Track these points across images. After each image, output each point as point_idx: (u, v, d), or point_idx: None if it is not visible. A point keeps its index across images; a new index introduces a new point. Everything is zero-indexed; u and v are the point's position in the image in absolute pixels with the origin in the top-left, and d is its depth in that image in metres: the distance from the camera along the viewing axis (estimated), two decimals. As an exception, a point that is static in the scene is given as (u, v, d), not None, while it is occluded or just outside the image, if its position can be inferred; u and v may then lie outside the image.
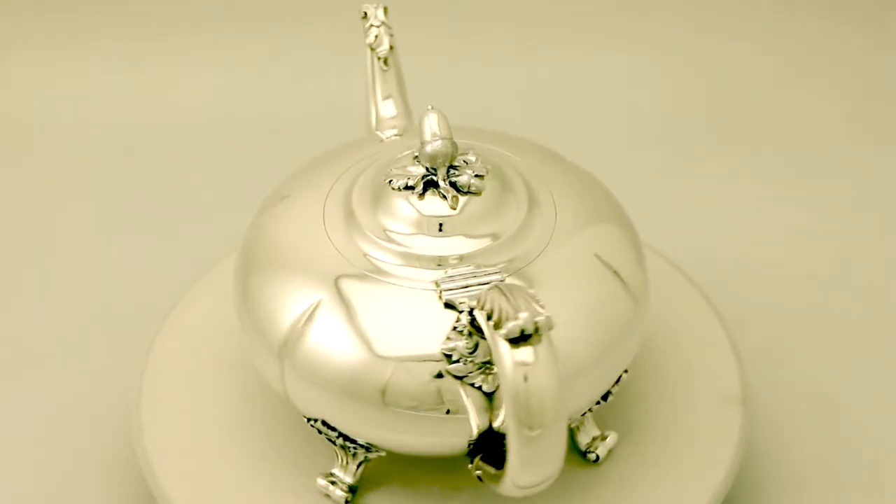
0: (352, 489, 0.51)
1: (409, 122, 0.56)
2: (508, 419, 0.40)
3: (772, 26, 0.88)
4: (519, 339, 0.39)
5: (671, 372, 0.57)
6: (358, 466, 0.51)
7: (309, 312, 0.47)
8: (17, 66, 0.85)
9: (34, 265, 0.72)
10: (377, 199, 0.48)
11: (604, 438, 0.53)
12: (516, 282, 0.46)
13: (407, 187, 0.48)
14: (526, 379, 0.39)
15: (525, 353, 0.39)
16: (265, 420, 0.55)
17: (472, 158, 0.48)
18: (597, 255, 0.49)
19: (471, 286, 0.46)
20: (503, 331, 0.39)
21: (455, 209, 0.47)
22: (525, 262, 0.47)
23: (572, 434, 0.52)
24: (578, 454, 0.53)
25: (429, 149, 0.47)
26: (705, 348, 0.58)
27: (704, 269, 0.66)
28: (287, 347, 0.47)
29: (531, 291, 0.40)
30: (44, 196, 0.77)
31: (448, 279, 0.46)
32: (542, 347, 0.39)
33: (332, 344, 0.46)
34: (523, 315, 0.39)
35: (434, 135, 0.47)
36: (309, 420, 0.49)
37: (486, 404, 0.45)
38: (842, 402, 0.62)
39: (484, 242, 0.47)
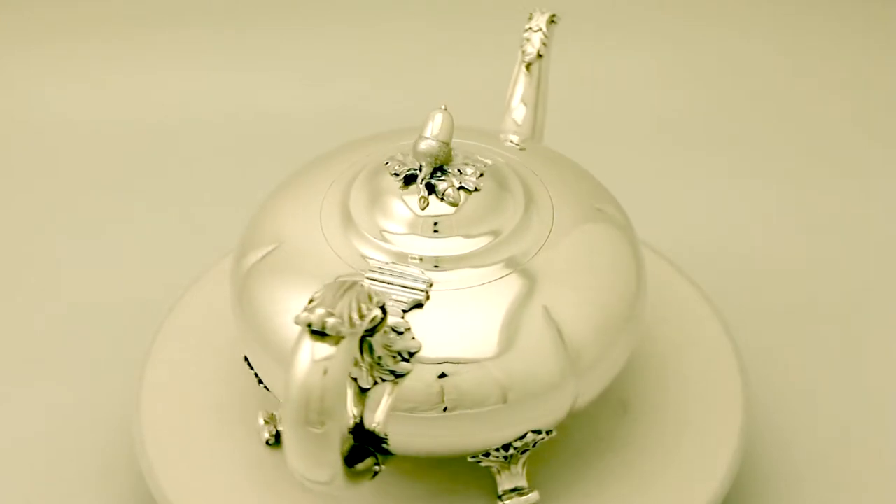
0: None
1: (536, 135, 0.57)
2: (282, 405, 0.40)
3: (774, 25, 0.88)
4: (317, 333, 0.39)
5: (670, 372, 0.57)
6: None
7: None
8: (15, 64, 0.86)
9: (33, 265, 0.72)
10: (374, 200, 0.48)
11: (522, 494, 0.50)
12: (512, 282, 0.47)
13: (395, 174, 0.48)
14: (303, 371, 0.39)
15: (317, 347, 0.39)
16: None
17: (468, 170, 0.48)
18: (594, 252, 0.49)
19: (392, 284, 0.46)
20: (302, 315, 0.39)
21: (423, 210, 0.47)
22: (522, 261, 0.47)
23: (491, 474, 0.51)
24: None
25: (421, 146, 0.47)
26: (705, 348, 0.58)
27: (704, 269, 0.66)
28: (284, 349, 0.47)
29: (383, 301, 0.40)
30: (43, 196, 0.77)
31: (376, 271, 0.46)
32: (332, 350, 0.39)
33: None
34: (319, 311, 0.38)
35: (433, 135, 0.47)
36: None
37: (359, 398, 0.45)
38: (842, 401, 0.62)
39: (481, 242, 0.47)
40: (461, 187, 0.47)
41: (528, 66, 0.57)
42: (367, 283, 0.46)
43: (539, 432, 0.48)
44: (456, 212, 0.47)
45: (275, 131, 0.81)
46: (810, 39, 0.87)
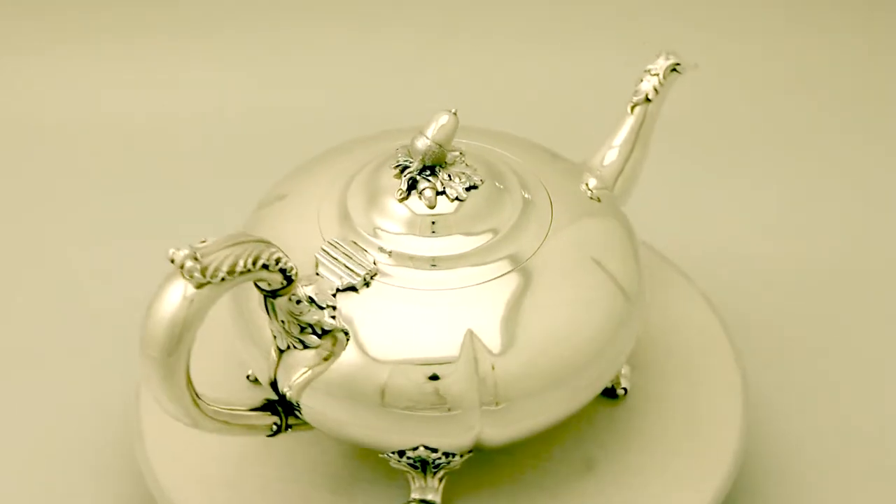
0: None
1: (619, 186, 0.54)
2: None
3: (776, 26, 0.88)
4: (183, 270, 0.41)
5: (670, 372, 0.57)
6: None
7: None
8: (17, 67, 0.86)
9: (33, 265, 0.72)
10: (372, 199, 0.48)
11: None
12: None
13: (396, 164, 0.48)
14: (155, 302, 0.41)
15: (176, 285, 0.41)
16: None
17: (458, 179, 0.47)
18: (592, 252, 0.49)
19: (338, 262, 0.47)
20: (171, 250, 0.41)
21: (400, 202, 0.47)
22: (521, 260, 0.47)
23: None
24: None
25: (416, 142, 0.47)
26: (705, 348, 0.58)
27: (704, 269, 0.66)
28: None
29: (252, 251, 0.42)
30: (42, 196, 0.77)
31: (330, 246, 0.47)
32: (187, 291, 0.41)
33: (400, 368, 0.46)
34: (185, 252, 0.40)
35: (431, 134, 0.47)
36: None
37: (276, 358, 0.47)
38: (843, 401, 0.62)
39: (480, 240, 0.47)
40: (441, 192, 0.47)
41: (633, 107, 0.54)
42: (318, 254, 0.47)
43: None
44: (455, 211, 0.47)
45: (273, 132, 0.81)
46: (812, 39, 0.87)
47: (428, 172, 0.47)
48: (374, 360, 0.46)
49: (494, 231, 0.48)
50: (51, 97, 0.84)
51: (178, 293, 0.41)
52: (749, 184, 0.77)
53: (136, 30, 0.86)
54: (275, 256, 0.43)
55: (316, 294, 0.45)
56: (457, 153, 0.48)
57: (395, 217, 0.47)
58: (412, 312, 0.46)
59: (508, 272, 0.47)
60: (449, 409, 0.46)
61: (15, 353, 0.66)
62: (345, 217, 0.48)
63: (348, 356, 0.46)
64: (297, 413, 0.48)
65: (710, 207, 0.75)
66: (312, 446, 0.53)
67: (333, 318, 0.46)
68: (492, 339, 0.46)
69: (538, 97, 0.84)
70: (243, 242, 0.42)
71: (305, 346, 0.46)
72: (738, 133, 0.82)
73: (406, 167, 0.48)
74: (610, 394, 0.55)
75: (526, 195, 0.49)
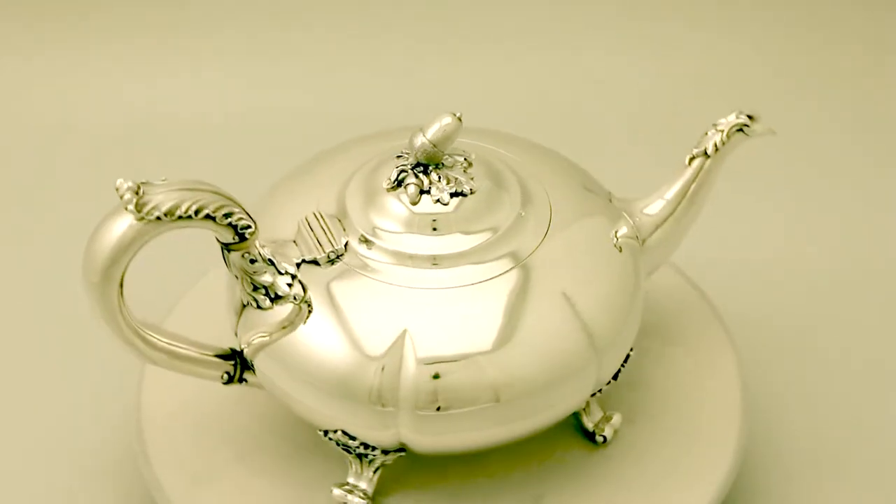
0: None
1: (654, 239, 0.52)
2: None
3: (780, 30, 0.88)
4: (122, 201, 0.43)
5: (670, 372, 0.57)
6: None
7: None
8: (15, 66, 0.85)
9: (32, 266, 0.72)
10: (371, 197, 0.48)
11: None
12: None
13: (398, 156, 0.48)
14: (97, 230, 0.44)
15: (121, 216, 0.43)
16: (264, 419, 0.55)
17: (447, 184, 0.47)
18: (590, 250, 0.49)
19: (313, 234, 0.48)
20: (119, 181, 0.43)
21: (387, 190, 0.47)
22: (520, 258, 0.47)
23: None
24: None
25: (415, 139, 0.47)
26: (705, 348, 0.58)
27: (704, 269, 0.66)
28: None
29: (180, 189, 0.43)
30: (42, 195, 0.77)
31: (313, 218, 0.48)
32: (123, 223, 0.43)
33: (323, 344, 0.47)
34: (130, 185, 0.43)
35: (430, 134, 0.47)
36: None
37: (239, 310, 0.49)
38: (843, 401, 0.62)
39: (480, 238, 0.47)
40: (426, 192, 0.47)
41: (691, 159, 0.51)
42: (300, 222, 0.48)
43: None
44: (454, 210, 0.47)
45: (274, 130, 0.81)
46: (812, 43, 0.87)
47: (421, 170, 0.48)
48: (370, 357, 0.46)
49: (494, 230, 0.48)
50: (47, 100, 0.84)
51: (115, 223, 0.43)
52: (749, 185, 0.77)
53: (134, 29, 0.86)
54: (224, 210, 0.44)
55: (278, 258, 0.46)
56: (461, 158, 0.48)
57: (394, 216, 0.48)
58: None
59: (508, 270, 0.47)
60: (382, 405, 0.46)
61: (14, 353, 0.66)
62: (343, 216, 0.48)
63: (341, 353, 0.46)
64: (249, 368, 0.50)
65: (710, 208, 0.74)
66: (317, 449, 0.53)
67: (290, 285, 0.47)
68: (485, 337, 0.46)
69: (538, 97, 0.84)
70: (195, 190, 0.43)
71: (259, 307, 0.47)
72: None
73: (404, 162, 0.48)
74: (590, 437, 0.54)
75: (523, 192, 0.49)
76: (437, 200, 0.47)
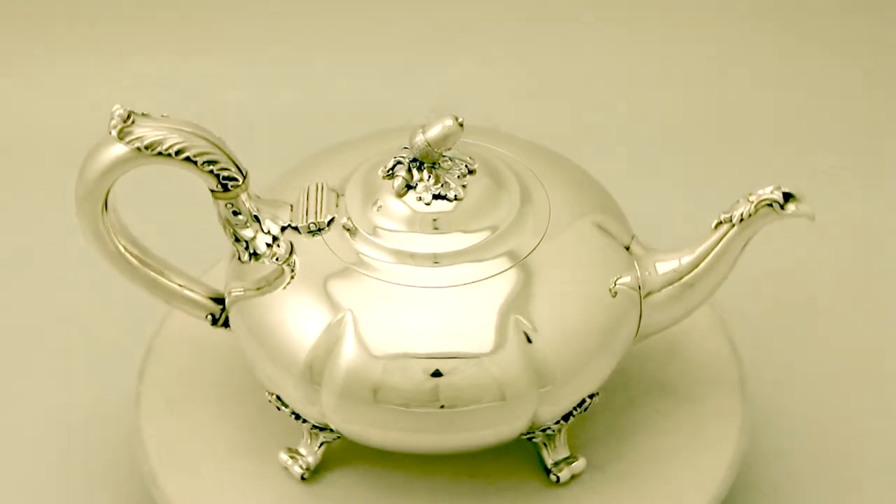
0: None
1: (663, 297, 0.49)
2: None
3: (779, 29, 0.88)
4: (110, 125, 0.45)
5: (670, 372, 0.57)
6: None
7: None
8: (25, 64, 0.85)
9: (33, 264, 0.72)
10: (371, 195, 0.48)
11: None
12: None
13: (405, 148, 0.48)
14: (92, 149, 0.46)
15: (108, 137, 0.45)
16: (264, 419, 0.54)
17: (436, 184, 0.47)
18: (590, 248, 0.49)
19: (308, 202, 0.49)
20: (115, 107, 0.45)
21: (382, 178, 0.48)
22: (519, 257, 0.47)
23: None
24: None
25: (415, 136, 0.47)
26: (705, 348, 0.58)
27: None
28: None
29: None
30: (44, 194, 0.77)
31: (314, 189, 0.49)
32: (111, 148, 0.45)
33: (291, 313, 0.47)
34: (120, 112, 0.45)
35: (429, 134, 0.47)
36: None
37: (231, 256, 0.50)
38: (842, 401, 0.62)
39: (479, 237, 0.47)
40: (412, 187, 0.47)
41: (717, 224, 0.48)
42: (304, 188, 0.49)
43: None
44: (454, 209, 0.47)
45: (273, 130, 0.81)
46: (817, 41, 0.87)
47: (416, 165, 0.48)
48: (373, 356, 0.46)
49: (493, 229, 0.48)
50: (53, 94, 0.84)
51: (104, 145, 0.45)
52: (749, 184, 0.76)
53: (133, 25, 0.86)
54: (206, 157, 0.45)
55: (265, 217, 0.48)
56: (463, 164, 0.48)
57: (394, 214, 0.48)
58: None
59: (507, 269, 0.47)
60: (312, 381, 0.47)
61: (13, 353, 0.66)
62: (354, 230, 0.48)
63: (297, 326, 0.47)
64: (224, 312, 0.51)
65: (710, 207, 0.74)
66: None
67: (269, 246, 0.48)
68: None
69: (538, 96, 0.84)
70: (186, 132, 0.45)
71: (239, 259, 0.49)
72: (739, 134, 0.82)
73: (400, 161, 0.48)
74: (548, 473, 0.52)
75: (522, 191, 0.49)
76: (419, 198, 0.47)
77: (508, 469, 0.52)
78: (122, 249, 0.49)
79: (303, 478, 0.52)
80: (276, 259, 0.48)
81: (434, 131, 0.47)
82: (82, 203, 0.47)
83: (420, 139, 0.47)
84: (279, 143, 0.79)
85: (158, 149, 0.45)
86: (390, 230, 0.48)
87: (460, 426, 0.47)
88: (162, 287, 0.51)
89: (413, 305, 0.46)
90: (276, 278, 0.48)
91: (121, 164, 0.45)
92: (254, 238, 0.48)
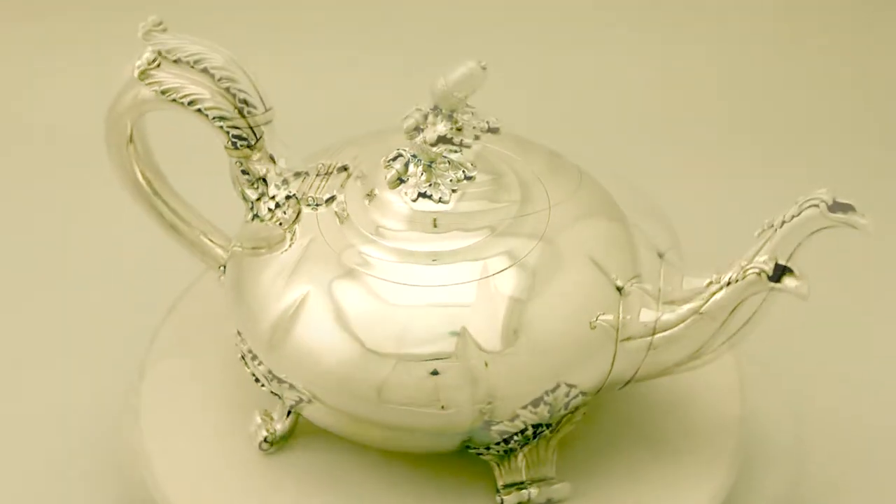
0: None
1: (655, 345, 0.47)
2: None
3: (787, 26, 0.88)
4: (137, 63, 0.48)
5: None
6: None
7: (295, 308, 0.47)
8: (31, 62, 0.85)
9: (33, 265, 0.72)
10: (371, 195, 0.48)
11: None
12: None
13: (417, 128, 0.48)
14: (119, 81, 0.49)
15: (130, 77, 0.49)
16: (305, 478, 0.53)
17: (425, 179, 0.47)
18: (589, 250, 0.48)
19: (319, 177, 0.49)
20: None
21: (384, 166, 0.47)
22: (518, 256, 0.47)
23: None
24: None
25: (437, 83, 0.47)
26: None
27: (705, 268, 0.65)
28: (275, 340, 0.47)
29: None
30: (44, 195, 0.77)
31: (321, 167, 0.50)
32: (134, 83, 0.49)
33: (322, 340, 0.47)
34: (147, 55, 0.48)
35: (449, 79, 0.47)
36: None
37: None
38: (843, 400, 0.62)
39: (478, 236, 0.47)
40: (403, 180, 0.47)
41: (708, 284, 0.46)
42: (319, 164, 0.50)
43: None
44: (451, 208, 0.47)
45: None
46: (822, 38, 0.87)
47: (415, 160, 0.48)
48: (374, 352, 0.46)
49: (492, 228, 0.48)
50: (55, 94, 0.84)
51: (130, 85, 0.49)
52: (748, 183, 0.77)
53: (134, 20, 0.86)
54: (217, 114, 0.47)
55: (273, 180, 0.49)
56: (461, 168, 0.48)
57: (394, 213, 0.48)
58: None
59: (506, 268, 0.47)
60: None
61: (12, 354, 0.66)
62: (344, 216, 0.48)
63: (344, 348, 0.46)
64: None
65: (709, 207, 0.75)
66: (314, 446, 0.53)
67: (271, 211, 0.49)
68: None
69: (538, 96, 0.84)
70: (206, 85, 0.47)
71: (252, 216, 0.50)
72: (739, 134, 0.82)
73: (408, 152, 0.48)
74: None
75: (523, 191, 0.49)
76: (405, 193, 0.47)
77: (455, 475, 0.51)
78: (145, 184, 0.52)
79: (264, 442, 0.52)
80: (280, 224, 0.48)
81: (455, 74, 0.46)
82: (110, 135, 0.50)
83: (441, 82, 0.46)
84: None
85: (173, 96, 0.47)
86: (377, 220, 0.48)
87: (396, 424, 0.47)
88: (181, 231, 0.53)
89: (377, 298, 0.46)
90: (277, 243, 0.48)
91: (140, 104, 0.49)
92: (258, 200, 0.49)
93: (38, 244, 0.73)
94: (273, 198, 0.49)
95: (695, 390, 0.55)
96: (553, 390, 0.46)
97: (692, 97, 0.84)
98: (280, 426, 0.52)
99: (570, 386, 0.47)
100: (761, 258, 0.44)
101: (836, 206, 0.42)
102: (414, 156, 0.48)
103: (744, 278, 0.44)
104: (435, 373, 0.45)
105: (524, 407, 0.46)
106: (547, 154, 0.54)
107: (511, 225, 0.48)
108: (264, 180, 0.49)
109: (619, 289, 0.48)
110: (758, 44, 0.87)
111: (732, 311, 0.45)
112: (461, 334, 0.45)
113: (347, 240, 0.47)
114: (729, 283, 0.45)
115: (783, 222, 0.43)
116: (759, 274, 0.43)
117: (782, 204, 0.76)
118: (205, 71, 0.47)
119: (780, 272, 0.43)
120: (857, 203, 0.42)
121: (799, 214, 0.43)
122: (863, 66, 0.85)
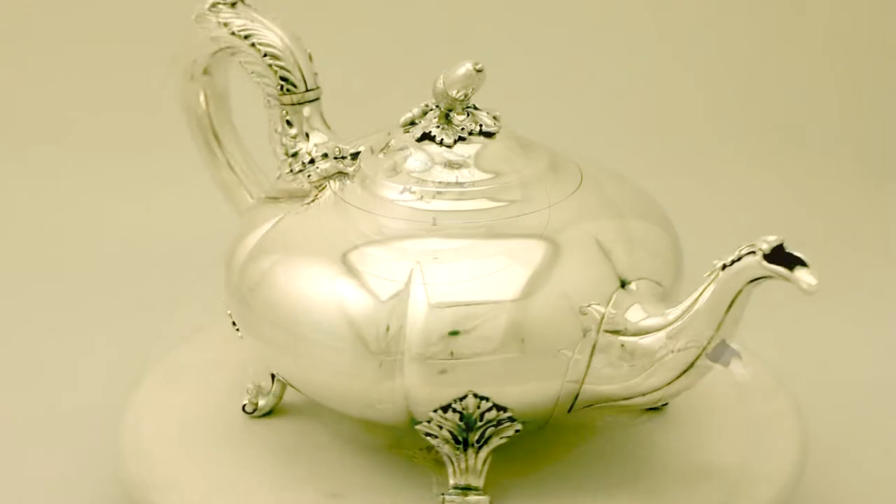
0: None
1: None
2: None
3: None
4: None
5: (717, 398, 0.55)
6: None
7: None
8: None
9: (33, 269, 0.72)
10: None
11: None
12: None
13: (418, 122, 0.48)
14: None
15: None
16: (262, 426, 0.54)
17: (444, 121, 0.48)
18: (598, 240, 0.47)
19: (334, 162, 0.49)
20: None
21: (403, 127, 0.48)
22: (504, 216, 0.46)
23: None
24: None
25: (437, 82, 0.47)
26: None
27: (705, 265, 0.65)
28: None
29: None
30: (42, 194, 0.77)
31: (341, 149, 0.49)
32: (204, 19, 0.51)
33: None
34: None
35: (447, 77, 0.47)
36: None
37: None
38: (844, 400, 0.62)
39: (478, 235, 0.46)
40: (414, 123, 0.48)
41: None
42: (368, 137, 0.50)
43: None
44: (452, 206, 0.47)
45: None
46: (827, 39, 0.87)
47: (436, 111, 0.48)
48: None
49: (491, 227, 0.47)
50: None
51: (201, 16, 0.51)
52: (748, 183, 0.77)
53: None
54: (271, 51, 0.50)
55: (315, 140, 0.51)
56: (478, 124, 0.48)
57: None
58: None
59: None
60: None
61: (13, 355, 0.66)
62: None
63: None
64: None
65: (709, 207, 0.75)
66: (302, 458, 0.52)
67: (304, 165, 0.50)
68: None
69: (538, 96, 0.84)
70: (270, 29, 0.50)
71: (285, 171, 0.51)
72: (740, 133, 0.82)
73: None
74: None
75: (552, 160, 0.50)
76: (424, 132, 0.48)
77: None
78: (206, 122, 0.54)
79: (244, 409, 0.53)
80: (309, 176, 0.49)
81: (451, 74, 0.47)
82: (175, 62, 0.53)
83: (439, 82, 0.47)
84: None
85: (233, 28, 0.50)
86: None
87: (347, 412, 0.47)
88: (219, 170, 0.55)
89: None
90: (300, 196, 0.49)
91: (205, 39, 0.51)
92: (291, 151, 0.51)
93: (38, 244, 0.73)
94: (309, 153, 0.50)
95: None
96: (461, 399, 0.45)
97: (693, 97, 0.84)
98: (270, 397, 0.52)
99: (481, 398, 0.45)
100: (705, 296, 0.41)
101: (777, 257, 0.39)
102: (437, 105, 0.48)
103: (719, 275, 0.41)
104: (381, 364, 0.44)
105: (435, 411, 0.45)
106: (547, 154, 0.54)
107: (511, 224, 0.47)
108: (307, 135, 0.51)
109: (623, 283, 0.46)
110: (758, 44, 0.87)
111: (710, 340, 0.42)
112: (388, 329, 0.44)
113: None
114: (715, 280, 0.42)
115: (724, 266, 0.41)
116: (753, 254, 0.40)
117: (782, 203, 0.78)
118: (252, 46, 0.50)
119: (789, 262, 0.39)
120: (810, 256, 0.39)
121: (739, 260, 0.40)
122: (862, 65, 0.86)
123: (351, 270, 0.45)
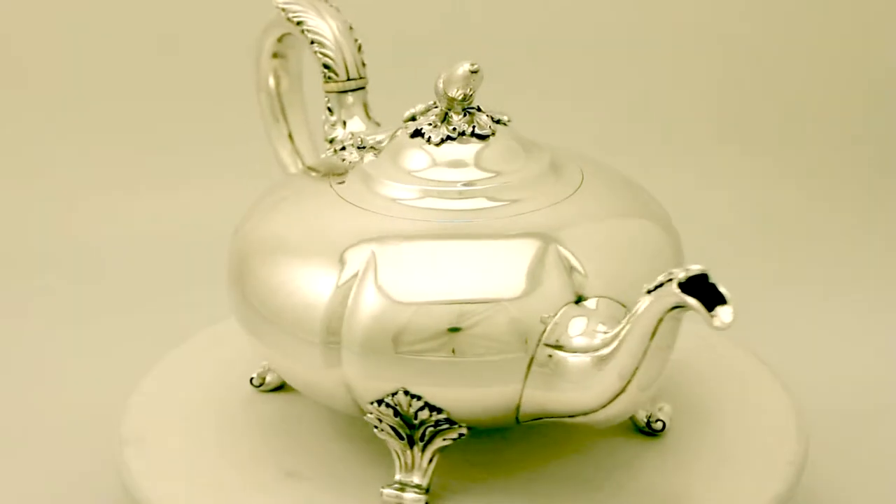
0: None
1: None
2: None
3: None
4: None
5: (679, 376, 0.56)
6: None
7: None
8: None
9: (32, 268, 0.72)
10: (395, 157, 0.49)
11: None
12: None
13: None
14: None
15: None
16: (261, 430, 0.53)
17: (444, 119, 0.48)
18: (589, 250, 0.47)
19: (357, 150, 0.51)
20: None
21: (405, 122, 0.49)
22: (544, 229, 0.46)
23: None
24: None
25: (438, 81, 0.48)
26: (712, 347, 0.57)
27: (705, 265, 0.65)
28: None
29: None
30: (42, 195, 0.77)
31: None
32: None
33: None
34: None
35: (445, 77, 0.48)
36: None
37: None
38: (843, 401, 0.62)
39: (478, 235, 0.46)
40: (414, 118, 0.49)
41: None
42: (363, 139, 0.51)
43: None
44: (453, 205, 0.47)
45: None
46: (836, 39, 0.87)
47: (437, 109, 0.48)
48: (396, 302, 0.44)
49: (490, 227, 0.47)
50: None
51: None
52: (748, 183, 0.77)
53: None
54: (317, 38, 0.51)
55: (353, 129, 0.52)
56: (486, 124, 0.48)
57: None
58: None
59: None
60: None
61: (10, 356, 0.66)
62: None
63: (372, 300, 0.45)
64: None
65: (709, 206, 0.74)
66: (315, 455, 0.52)
67: (335, 152, 0.52)
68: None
69: (538, 96, 0.84)
70: (326, 19, 0.52)
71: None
72: (741, 133, 0.82)
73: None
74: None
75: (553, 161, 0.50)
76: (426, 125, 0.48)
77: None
78: (276, 105, 0.56)
79: (251, 382, 0.54)
80: (343, 160, 0.50)
81: (449, 75, 0.47)
82: (256, 42, 0.55)
83: (439, 82, 0.48)
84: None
85: (289, 14, 0.52)
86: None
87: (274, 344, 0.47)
88: (281, 132, 0.57)
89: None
90: (336, 173, 0.50)
91: (272, 23, 0.53)
92: (333, 139, 0.52)
93: (38, 244, 0.73)
94: (341, 140, 0.51)
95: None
96: (394, 394, 0.45)
97: (693, 97, 0.84)
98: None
99: (413, 396, 0.45)
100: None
101: (698, 287, 0.38)
102: (435, 105, 0.49)
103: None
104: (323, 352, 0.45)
105: (372, 403, 0.45)
106: (548, 153, 0.54)
107: (510, 224, 0.47)
108: (345, 122, 0.52)
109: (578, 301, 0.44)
110: (757, 44, 0.87)
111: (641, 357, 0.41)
112: (333, 318, 0.44)
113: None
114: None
115: (648, 290, 0.40)
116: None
117: (782, 204, 0.78)
118: (302, 32, 0.51)
119: (710, 295, 0.38)
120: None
121: (659, 286, 0.39)
122: (863, 65, 0.86)
123: (310, 260, 0.46)
